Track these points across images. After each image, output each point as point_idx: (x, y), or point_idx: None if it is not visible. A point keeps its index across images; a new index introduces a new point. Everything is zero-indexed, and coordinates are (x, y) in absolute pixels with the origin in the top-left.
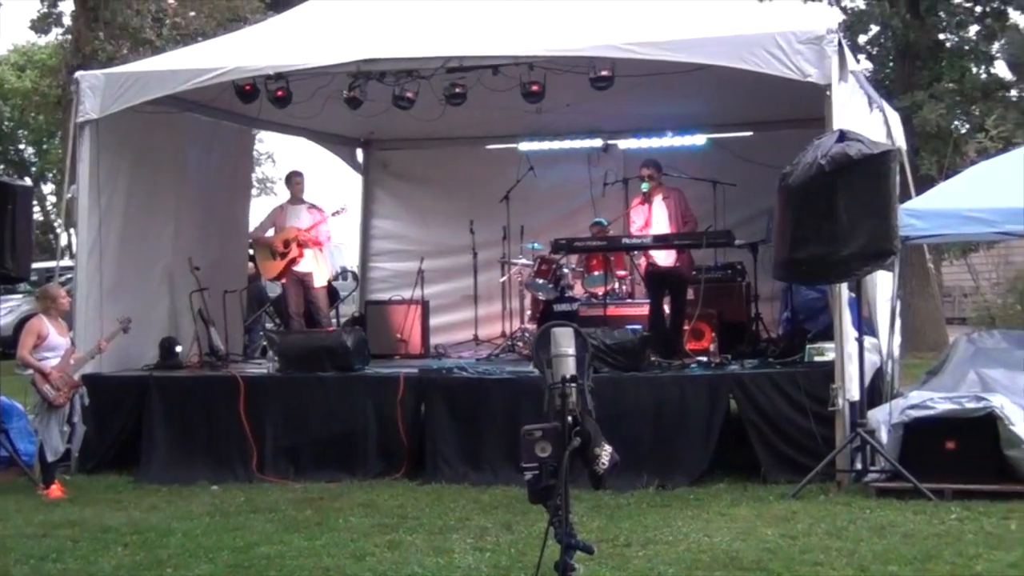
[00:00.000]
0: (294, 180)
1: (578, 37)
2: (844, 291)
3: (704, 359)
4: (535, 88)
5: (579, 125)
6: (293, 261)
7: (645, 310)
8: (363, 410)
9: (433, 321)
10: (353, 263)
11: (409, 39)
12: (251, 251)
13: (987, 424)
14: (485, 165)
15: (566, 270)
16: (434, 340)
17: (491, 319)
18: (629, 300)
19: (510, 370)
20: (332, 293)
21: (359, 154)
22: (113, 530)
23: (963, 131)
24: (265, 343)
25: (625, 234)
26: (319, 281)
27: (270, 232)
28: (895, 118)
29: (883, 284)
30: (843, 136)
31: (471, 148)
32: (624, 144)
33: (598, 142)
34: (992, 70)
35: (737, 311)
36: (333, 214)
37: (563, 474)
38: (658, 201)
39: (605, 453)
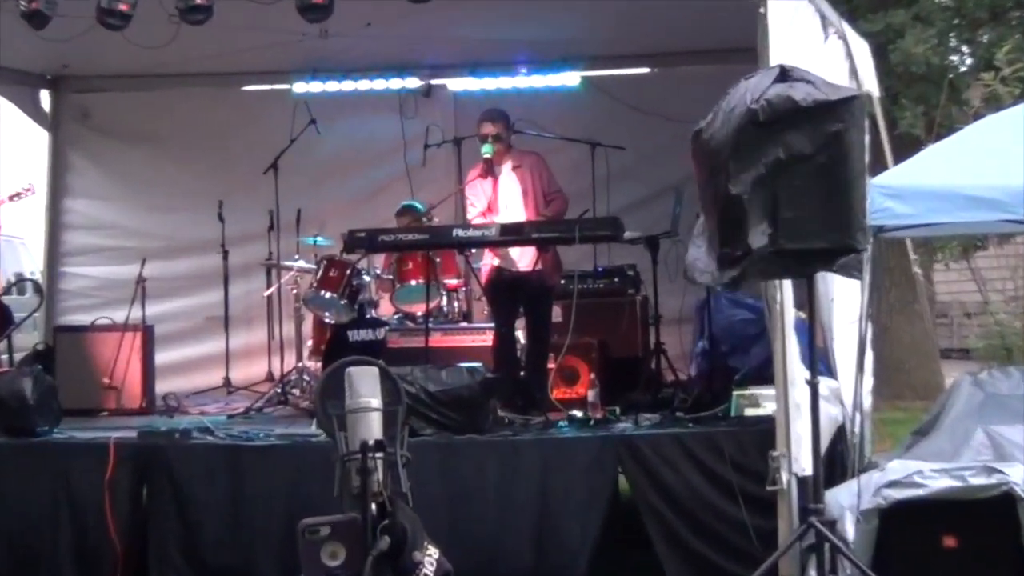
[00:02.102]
0: None
1: None
2: (788, 309)
3: (579, 413)
4: None
5: (386, 56)
6: None
7: (489, 339)
8: (51, 495)
9: (161, 357)
10: (36, 267)
11: None
12: None
13: (1002, 508)
14: (241, 117)
15: (367, 278)
16: (162, 387)
17: (251, 354)
18: (464, 324)
19: (281, 433)
20: (1, 314)
21: (45, 98)
22: None
23: (963, 69)
24: None
25: (457, 223)
26: None
27: None
28: (863, 50)
29: (846, 299)
30: (785, 75)
31: (219, 90)
32: (455, 85)
33: (416, 82)
34: None
35: (629, 340)
36: (9, 198)
37: None
38: (507, 172)
39: (429, 559)
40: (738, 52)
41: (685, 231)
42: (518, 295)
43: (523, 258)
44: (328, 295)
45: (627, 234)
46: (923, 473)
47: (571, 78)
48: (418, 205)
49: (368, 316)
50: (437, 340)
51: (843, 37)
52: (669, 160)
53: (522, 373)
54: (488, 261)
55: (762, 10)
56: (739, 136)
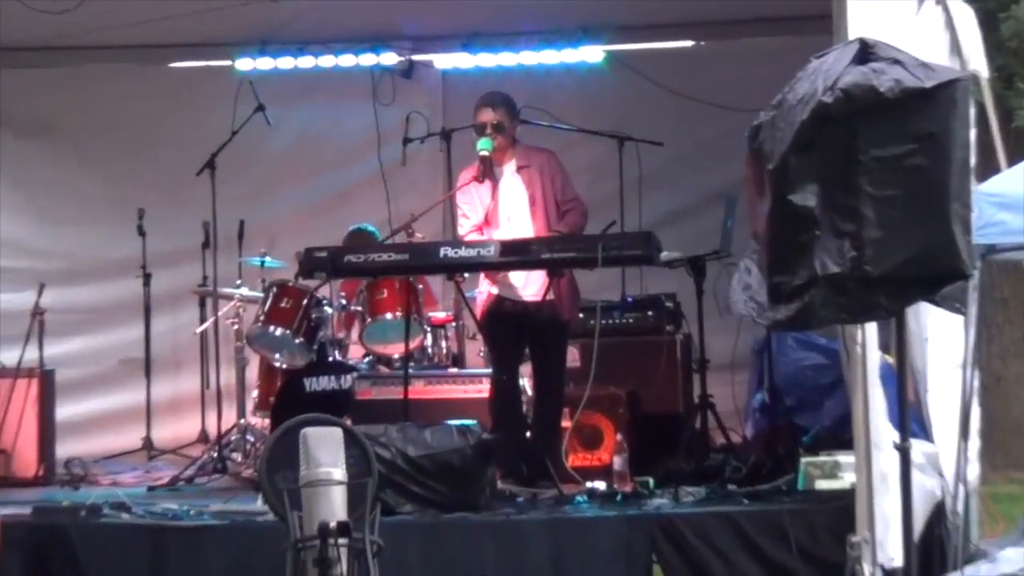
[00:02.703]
0: None
1: None
2: (872, 352)
3: (602, 486)
4: None
5: (356, 25)
6: None
7: (485, 389)
8: None
9: (64, 411)
10: None
11: None
12: None
13: None
14: (168, 102)
15: (329, 310)
16: (64, 450)
17: (179, 407)
18: (454, 371)
19: (217, 510)
20: None
21: None
22: None
23: None
24: None
25: (446, 240)
26: None
27: None
28: (968, 19)
29: (945, 340)
30: (866, 52)
31: (140, 68)
32: (444, 62)
33: (394, 59)
34: None
35: (666, 391)
36: None
37: None
38: (510, 174)
39: None
40: (808, 21)
41: (739, 250)
42: (523, 333)
43: (530, 285)
44: (279, 332)
45: (664, 254)
46: None
47: (593, 53)
48: (371, 229)
49: (330, 359)
50: (419, 391)
51: (942, 2)
52: (718, 158)
53: (528, 433)
54: (485, 289)
55: None
56: (806, 133)
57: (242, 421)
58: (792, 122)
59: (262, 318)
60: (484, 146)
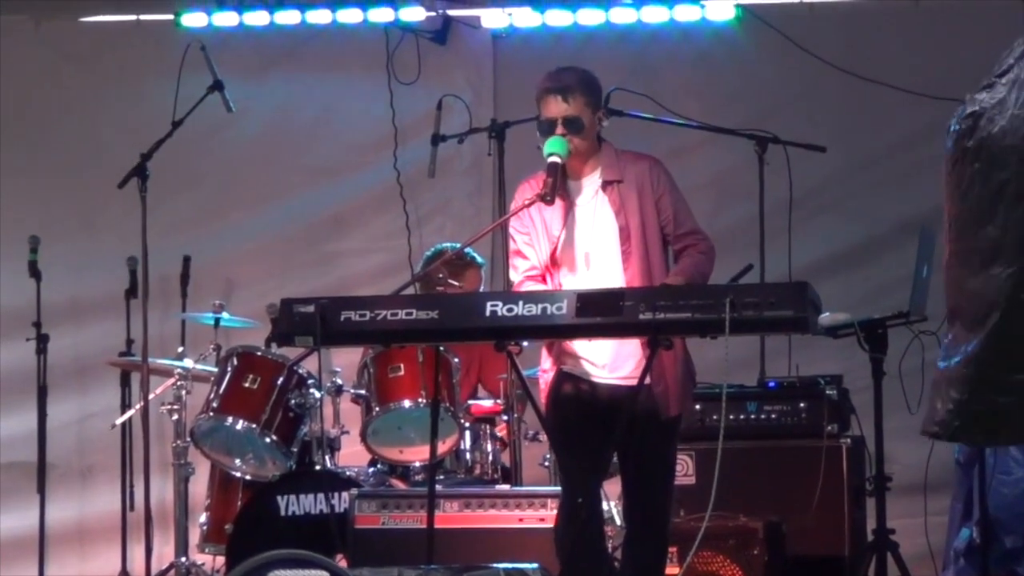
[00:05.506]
0: None
1: None
2: None
3: None
4: None
5: None
6: None
7: (548, 517)
8: None
9: None
10: None
11: None
12: None
13: None
14: (79, 75)
15: (317, 393)
16: None
17: (89, 536)
18: (504, 489)
19: None
20: None
21: None
22: None
23: None
24: None
25: (494, 292)
26: None
27: None
28: None
29: None
30: None
31: (34, 24)
32: (496, 19)
33: (420, 15)
34: None
35: (825, 523)
36: None
37: None
38: (591, 194)
39: None
40: None
41: (938, 311)
42: (609, 433)
43: (620, 361)
44: (240, 426)
45: (825, 317)
46: None
47: (719, 8)
48: (474, 256)
49: (318, 468)
50: (452, 516)
51: None
52: (909, 173)
53: None
54: (551, 365)
55: None
56: None
57: (183, 560)
58: None
59: (216, 405)
60: (555, 148)
